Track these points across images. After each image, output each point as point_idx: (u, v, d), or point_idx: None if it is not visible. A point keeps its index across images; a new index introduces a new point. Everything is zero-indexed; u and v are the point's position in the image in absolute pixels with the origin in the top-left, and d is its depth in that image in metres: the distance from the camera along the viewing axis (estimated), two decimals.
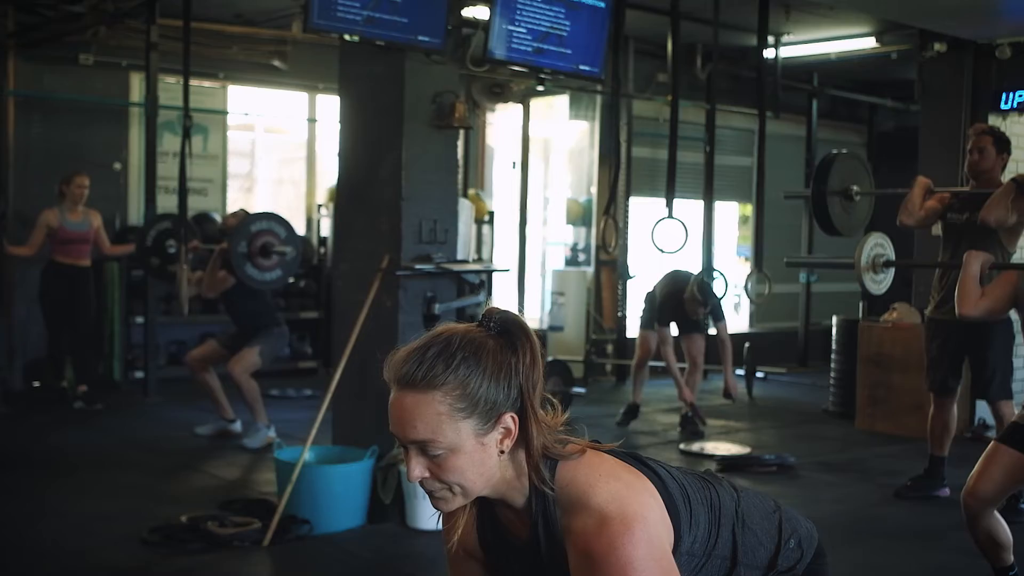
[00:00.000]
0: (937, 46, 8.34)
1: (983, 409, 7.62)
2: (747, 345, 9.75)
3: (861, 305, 9.52)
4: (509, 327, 1.72)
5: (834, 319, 8.83)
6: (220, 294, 7.13)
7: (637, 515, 1.66)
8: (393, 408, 1.69)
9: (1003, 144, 5.80)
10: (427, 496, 1.74)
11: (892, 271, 5.65)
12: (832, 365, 8.72)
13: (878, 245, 5.57)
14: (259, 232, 6.73)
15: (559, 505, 1.71)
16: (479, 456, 1.68)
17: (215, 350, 7.11)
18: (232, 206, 9.38)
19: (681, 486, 1.81)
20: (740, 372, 9.79)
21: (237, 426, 7.10)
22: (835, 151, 6.52)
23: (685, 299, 7.56)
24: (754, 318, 12.21)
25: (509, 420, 1.69)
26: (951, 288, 5.66)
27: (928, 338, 6.02)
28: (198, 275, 7.17)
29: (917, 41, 8.65)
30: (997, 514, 3.89)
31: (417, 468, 1.68)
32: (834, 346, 8.69)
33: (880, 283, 5.65)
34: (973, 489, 3.79)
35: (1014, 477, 3.80)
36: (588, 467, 1.72)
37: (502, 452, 1.70)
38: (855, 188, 6.23)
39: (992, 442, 3.90)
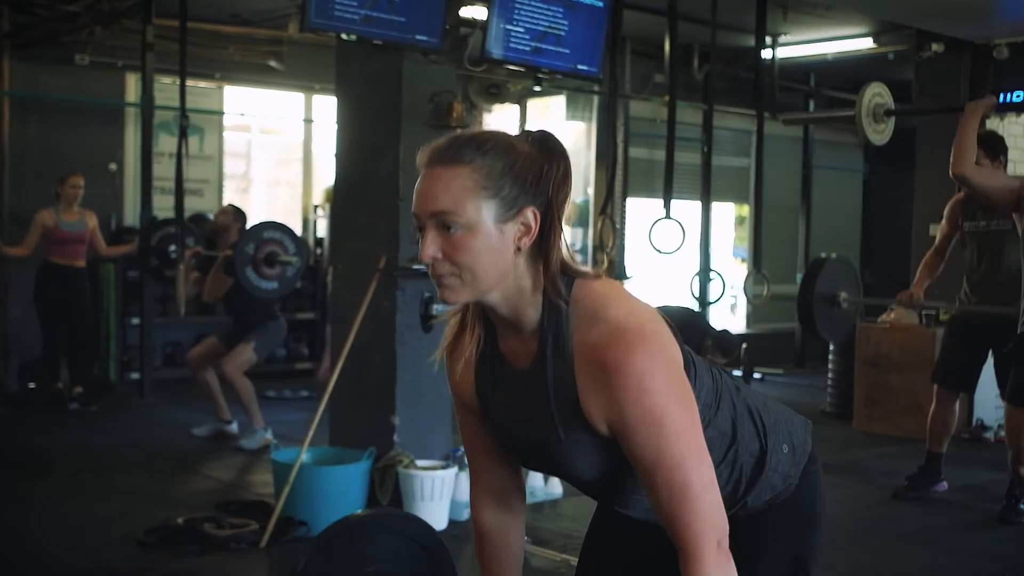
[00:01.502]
0: (934, 46, 8.34)
1: (981, 409, 7.63)
2: (744, 346, 9.74)
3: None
4: (548, 142, 1.74)
5: None
6: (215, 300, 7.15)
7: (655, 331, 1.65)
8: (419, 186, 1.69)
9: (995, 149, 5.64)
10: (434, 280, 1.70)
11: (892, 120, 5.63)
12: (829, 366, 8.71)
13: (877, 95, 5.50)
14: (269, 240, 6.72)
15: (572, 319, 1.68)
16: (496, 244, 1.65)
17: (215, 346, 7.08)
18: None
19: (688, 351, 1.78)
20: (737, 373, 9.78)
21: (234, 427, 7.09)
22: (824, 255, 6.49)
23: (704, 348, 7.24)
24: (751, 318, 12.20)
25: (530, 214, 1.67)
26: (978, 285, 5.65)
27: (948, 333, 5.97)
28: (195, 275, 7.15)
29: (914, 41, 8.65)
30: None
31: (432, 247, 1.66)
32: (831, 347, 8.68)
33: (882, 132, 5.62)
34: None
35: None
36: (606, 285, 1.72)
37: (518, 249, 1.67)
38: (843, 295, 6.19)
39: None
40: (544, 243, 1.69)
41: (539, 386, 1.72)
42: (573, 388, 1.67)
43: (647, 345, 1.62)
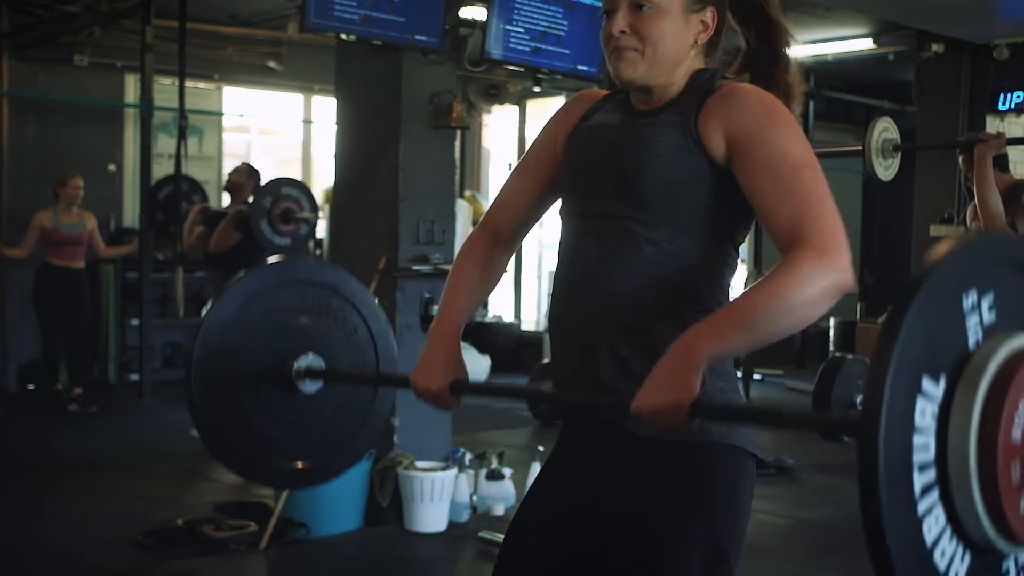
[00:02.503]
0: (934, 47, 8.34)
1: None
2: None
3: (859, 306, 9.52)
4: None
5: (831, 320, 8.82)
6: (220, 252, 7.05)
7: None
8: None
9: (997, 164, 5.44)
10: (614, 55, 1.80)
11: (899, 156, 5.54)
12: None
13: (885, 130, 5.45)
14: (285, 196, 6.74)
15: (716, 88, 1.80)
16: (680, 30, 1.79)
17: None
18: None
19: None
20: (738, 374, 9.76)
21: None
22: (839, 354, 6.22)
23: None
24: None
25: (710, 14, 1.83)
26: None
27: None
28: (201, 229, 7.09)
29: (914, 42, 8.65)
30: None
31: (621, 21, 1.78)
32: (832, 347, 8.67)
33: (889, 168, 5.54)
34: None
35: None
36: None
37: (695, 43, 1.82)
38: (860, 398, 6.02)
39: None
40: (712, 46, 1.86)
41: (656, 112, 1.82)
42: (696, 112, 1.77)
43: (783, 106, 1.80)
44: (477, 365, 7.62)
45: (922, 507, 1.28)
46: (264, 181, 7.03)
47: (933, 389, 1.29)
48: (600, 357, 1.77)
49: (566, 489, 1.87)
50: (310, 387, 2.14)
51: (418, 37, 5.10)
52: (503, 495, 5.34)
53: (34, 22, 8.69)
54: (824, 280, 1.60)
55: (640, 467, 1.77)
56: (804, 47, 10.11)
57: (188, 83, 7.96)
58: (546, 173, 1.97)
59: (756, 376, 9.99)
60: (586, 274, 1.80)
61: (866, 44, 9.76)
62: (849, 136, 13.33)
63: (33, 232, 7.84)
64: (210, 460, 6.51)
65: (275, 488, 2.18)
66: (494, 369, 7.75)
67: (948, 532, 1.31)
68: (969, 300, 1.34)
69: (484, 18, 5.37)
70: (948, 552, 1.31)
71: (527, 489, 1.99)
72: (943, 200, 8.37)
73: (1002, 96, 8.03)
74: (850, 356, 6.05)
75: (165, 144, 9.02)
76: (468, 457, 5.35)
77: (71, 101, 9.09)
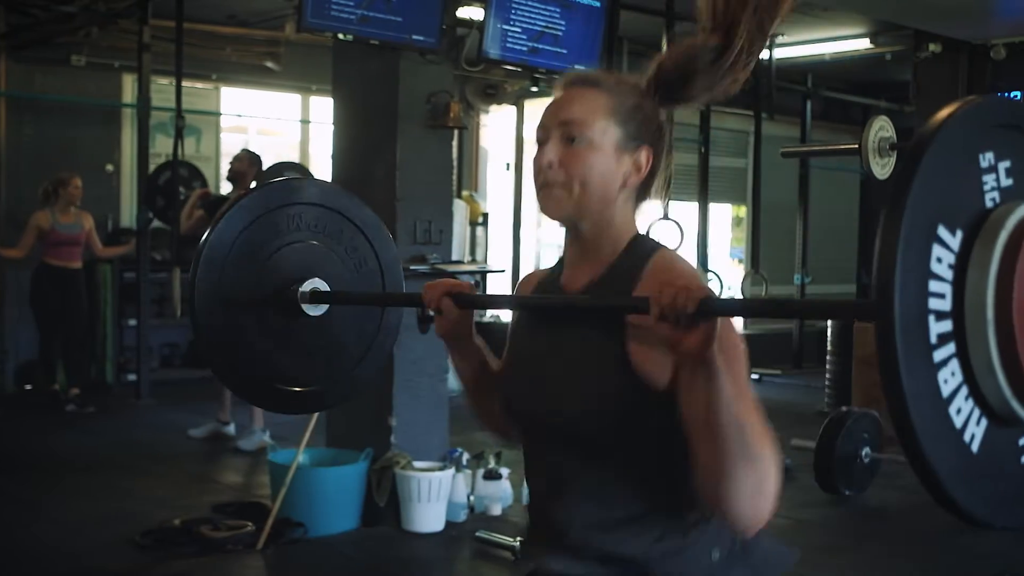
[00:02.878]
0: (932, 47, 8.34)
1: None
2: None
3: None
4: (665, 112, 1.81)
5: (829, 320, 8.82)
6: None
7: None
8: (554, 100, 1.76)
9: None
10: (541, 191, 1.73)
11: (896, 154, 5.52)
12: (827, 366, 8.70)
13: (882, 129, 5.44)
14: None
15: (650, 261, 1.71)
16: (610, 168, 1.71)
17: None
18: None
19: None
20: None
21: (231, 429, 7.06)
22: (844, 408, 6.10)
23: None
24: (749, 319, 12.19)
25: (645, 154, 1.73)
26: None
27: None
28: (201, 214, 7.09)
29: (912, 42, 8.65)
30: None
31: (551, 152, 1.71)
32: (829, 347, 8.67)
33: (885, 166, 5.53)
34: None
35: None
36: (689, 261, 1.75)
37: (624, 185, 1.72)
38: (865, 451, 5.89)
39: None
40: (644, 190, 1.76)
41: (583, 304, 1.74)
42: (623, 312, 1.64)
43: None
44: None
45: (938, 356, 1.27)
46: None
47: (950, 239, 1.29)
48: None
49: None
50: (314, 311, 2.11)
51: (415, 37, 5.10)
52: (500, 495, 5.34)
53: (31, 22, 8.68)
54: (769, 484, 1.52)
55: None
56: (801, 47, 10.12)
57: (185, 83, 7.95)
58: None
59: (754, 376, 10.00)
60: (548, 497, 1.75)
61: (863, 44, 9.76)
62: (847, 136, 13.33)
63: (30, 232, 7.83)
64: (208, 460, 6.54)
65: (272, 410, 2.15)
66: None
67: (964, 390, 1.30)
68: (987, 159, 1.35)
69: (481, 18, 5.37)
70: (964, 411, 1.31)
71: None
72: None
73: (999, 96, 8.04)
74: (856, 409, 6.02)
75: (162, 144, 9.01)
76: (465, 457, 5.35)
77: (68, 101, 9.08)
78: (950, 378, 1.28)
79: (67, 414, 7.86)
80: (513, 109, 10.77)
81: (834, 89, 11.81)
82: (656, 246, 1.73)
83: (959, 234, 1.31)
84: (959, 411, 1.30)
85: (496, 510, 5.30)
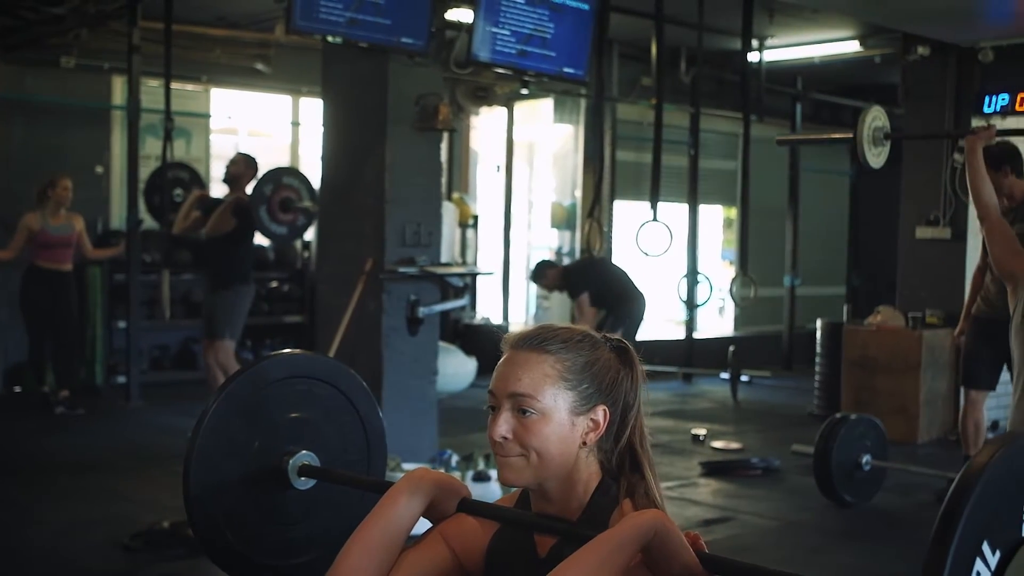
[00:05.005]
0: (920, 49, 8.37)
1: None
2: (731, 348, 9.76)
3: (845, 308, 9.54)
4: (624, 350, 1.79)
5: (819, 322, 8.84)
6: (208, 238, 7.05)
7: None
8: (502, 365, 1.73)
9: (999, 159, 5.35)
10: (498, 460, 1.72)
11: (889, 144, 5.50)
12: (817, 368, 8.73)
13: (876, 119, 5.42)
14: (286, 186, 6.75)
15: (612, 513, 1.70)
16: (566, 433, 1.70)
17: (208, 343, 7.05)
18: None
19: None
20: (725, 376, 9.79)
21: None
22: (841, 414, 6.02)
23: None
24: (739, 321, 12.22)
25: (601, 413, 1.72)
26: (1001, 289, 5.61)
27: (973, 334, 5.84)
28: (197, 215, 7.10)
29: (900, 45, 8.68)
30: None
31: (504, 426, 1.69)
32: (819, 349, 8.70)
33: (879, 156, 5.51)
34: None
35: None
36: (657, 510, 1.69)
37: (584, 444, 1.71)
38: (866, 459, 5.79)
39: None
40: (607, 442, 1.75)
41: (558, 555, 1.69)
42: None
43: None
44: (463, 367, 7.61)
45: None
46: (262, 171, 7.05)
47: (990, 556, 1.37)
48: None
49: None
50: (303, 484, 2.14)
51: (404, 39, 5.11)
52: (490, 496, 5.33)
53: (21, 24, 8.67)
54: None
55: None
56: (791, 49, 10.15)
57: (175, 85, 7.95)
58: None
59: (744, 378, 10.01)
60: None
61: (852, 47, 9.80)
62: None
63: (20, 234, 7.82)
64: None
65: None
66: (480, 371, 7.75)
67: None
68: None
69: (470, 20, 5.38)
70: None
71: None
72: (929, 202, 8.40)
73: (987, 98, 8.04)
74: (853, 416, 6.01)
75: (152, 146, 9.00)
76: (455, 459, 5.35)
77: (58, 103, 9.07)
78: None
79: (56, 416, 7.85)
80: (503, 111, 10.79)
81: (823, 91, 11.85)
82: (618, 493, 1.73)
83: (998, 553, 1.39)
84: None
85: None
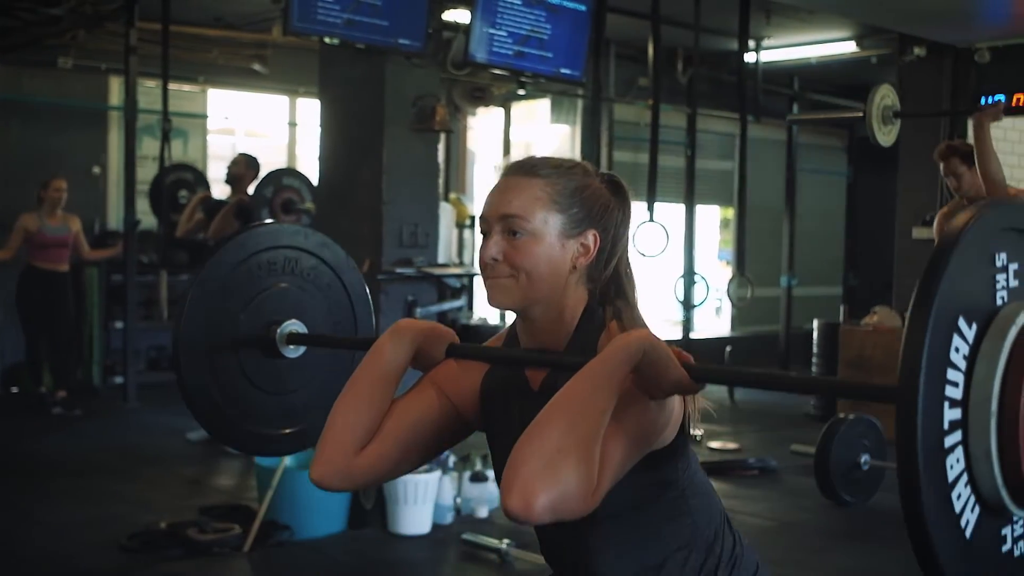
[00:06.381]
0: (916, 50, 8.39)
1: None
2: (728, 348, 9.77)
3: (842, 308, 9.56)
4: (617, 184, 1.82)
5: (815, 322, 8.86)
6: (218, 240, 7.06)
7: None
8: (494, 189, 1.77)
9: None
10: (488, 282, 1.74)
11: (899, 123, 5.49)
12: (813, 368, 8.74)
13: (886, 96, 5.42)
14: (288, 187, 6.76)
15: (600, 336, 1.72)
16: (556, 255, 1.72)
17: None
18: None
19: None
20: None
21: None
22: (841, 415, 6.06)
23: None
24: (735, 321, 12.23)
25: (591, 237, 1.74)
26: None
27: None
28: (200, 217, 7.10)
29: (897, 45, 8.70)
30: None
31: (494, 248, 1.72)
32: (815, 349, 8.71)
33: (889, 134, 5.51)
34: None
35: None
36: (647, 328, 1.71)
37: (574, 268, 1.74)
38: (864, 459, 5.83)
39: None
40: (596, 270, 1.77)
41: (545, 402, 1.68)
42: None
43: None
44: None
45: (948, 442, 1.34)
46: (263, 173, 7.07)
47: (967, 331, 1.37)
48: None
49: None
50: (292, 352, 2.16)
51: (401, 41, 5.12)
52: (487, 497, 5.35)
53: (18, 25, 8.67)
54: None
55: None
56: (787, 50, 10.17)
57: (172, 86, 7.94)
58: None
59: None
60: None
61: (849, 47, 9.81)
62: (833, 138, 13.40)
63: (17, 234, 7.82)
64: (194, 463, 6.53)
65: (250, 453, 2.20)
66: None
67: (965, 477, 1.37)
68: (1001, 259, 1.44)
69: (467, 21, 5.39)
70: (963, 497, 1.38)
71: None
72: (926, 203, 8.42)
73: (983, 99, 8.05)
74: (851, 416, 6.02)
75: (149, 147, 9.00)
76: (452, 459, 5.36)
77: (55, 104, 9.07)
78: (955, 464, 1.35)
79: (53, 417, 7.85)
80: (500, 111, 10.79)
81: (820, 92, 11.86)
82: (604, 317, 1.75)
83: (974, 326, 1.39)
84: (959, 496, 1.37)
85: (482, 512, 5.31)
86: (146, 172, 8.75)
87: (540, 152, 1.74)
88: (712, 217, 12.58)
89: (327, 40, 5.02)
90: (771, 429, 8.29)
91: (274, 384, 2.18)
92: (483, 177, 11.43)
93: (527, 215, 1.70)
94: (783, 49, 10.13)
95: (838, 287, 13.26)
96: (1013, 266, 1.46)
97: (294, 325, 2.16)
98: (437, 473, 5.11)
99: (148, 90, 8.68)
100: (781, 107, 11.61)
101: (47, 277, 7.91)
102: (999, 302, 1.43)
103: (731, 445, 7.34)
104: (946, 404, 1.33)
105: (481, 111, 10.92)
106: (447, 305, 6.97)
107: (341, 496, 5.05)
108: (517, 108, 10.85)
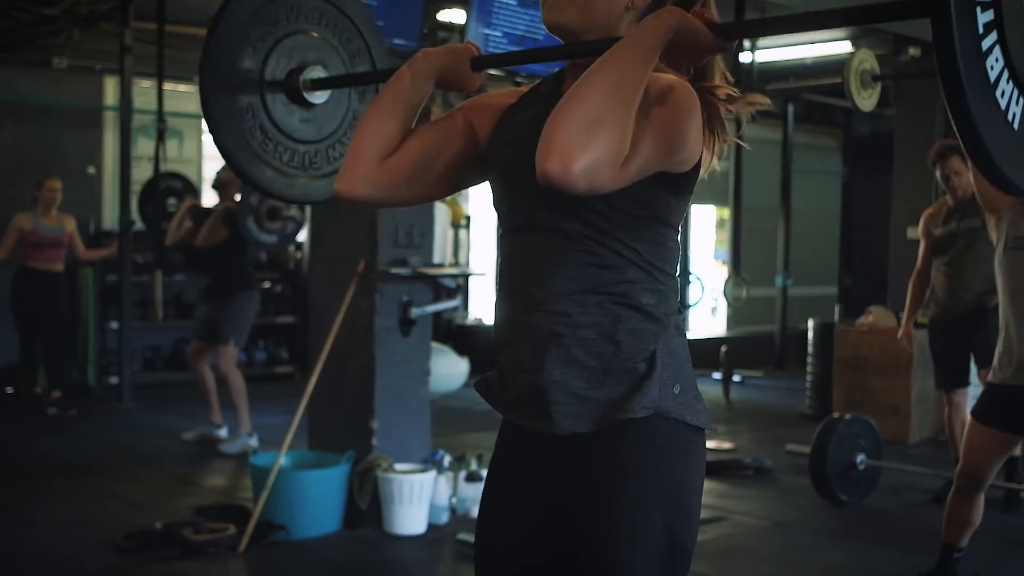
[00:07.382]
0: (911, 50, 8.40)
1: None
2: (724, 348, 9.78)
3: (837, 308, 9.57)
4: None
5: (810, 322, 8.86)
6: (207, 248, 7.04)
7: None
8: None
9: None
10: (544, 8, 1.78)
11: (879, 86, 5.50)
12: (808, 368, 8.75)
13: (864, 61, 5.41)
14: None
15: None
16: None
17: (198, 347, 7.03)
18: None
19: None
20: (717, 375, 9.81)
21: (223, 432, 7.02)
22: (837, 414, 6.05)
23: None
24: (731, 321, 12.25)
25: None
26: (953, 292, 5.66)
27: (934, 338, 5.90)
28: (189, 226, 7.09)
29: (892, 46, 8.70)
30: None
31: None
32: (810, 349, 8.72)
33: (869, 98, 5.52)
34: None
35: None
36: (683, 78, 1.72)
37: (631, 6, 1.75)
38: (860, 458, 5.81)
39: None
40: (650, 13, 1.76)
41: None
42: None
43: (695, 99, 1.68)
44: (456, 368, 7.62)
45: (984, 44, 1.41)
46: None
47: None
48: (547, 354, 1.72)
49: (517, 498, 1.84)
50: (317, 98, 2.20)
51: (396, 41, 5.11)
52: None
53: (12, 25, 8.66)
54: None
55: (584, 461, 1.72)
56: (783, 50, 10.17)
57: (167, 86, 7.95)
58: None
59: (736, 378, 10.04)
60: (526, 283, 1.76)
61: (844, 47, 9.82)
62: (829, 138, 13.42)
63: (11, 234, 7.81)
64: (190, 463, 6.52)
65: (267, 194, 2.22)
66: (473, 371, 7.75)
67: (1006, 74, 1.44)
68: None
69: (462, 22, 5.39)
70: (1007, 93, 1.45)
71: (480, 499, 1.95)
72: (920, 202, 8.41)
73: None
74: (847, 415, 6.02)
75: (145, 147, 9.00)
76: (447, 459, 5.36)
77: (50, 104, 9.06)
78: (995, 64, 1.42)
79: (49, 417, 7.85)
80: None
81: (815, 92, 11.86)
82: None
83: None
84: (1003, 94, 1.44)
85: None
86: (141, 172, 8.75)
87: None
88: (708, 217, 12.59)
89: None
90: (766, 429, 8.29)
91: (292, 128, 2.21)
92: None
93: None
94: (779, 49, 10.14)
95: (833, 287, 13.29)
96: None
97: (317, 71, 2.20)
98: (432, 473, 5.11)
99: (143, 90, 8.67)
100: (777, 107, 11.62)
101: (42, 277, 7.90)
102: None
103: (726, 445, 7.34)
104: (978, 9, 1.38)
105: None
106: (442, 305, 6.96)
107: (336, 496, 5.05)
108: None
